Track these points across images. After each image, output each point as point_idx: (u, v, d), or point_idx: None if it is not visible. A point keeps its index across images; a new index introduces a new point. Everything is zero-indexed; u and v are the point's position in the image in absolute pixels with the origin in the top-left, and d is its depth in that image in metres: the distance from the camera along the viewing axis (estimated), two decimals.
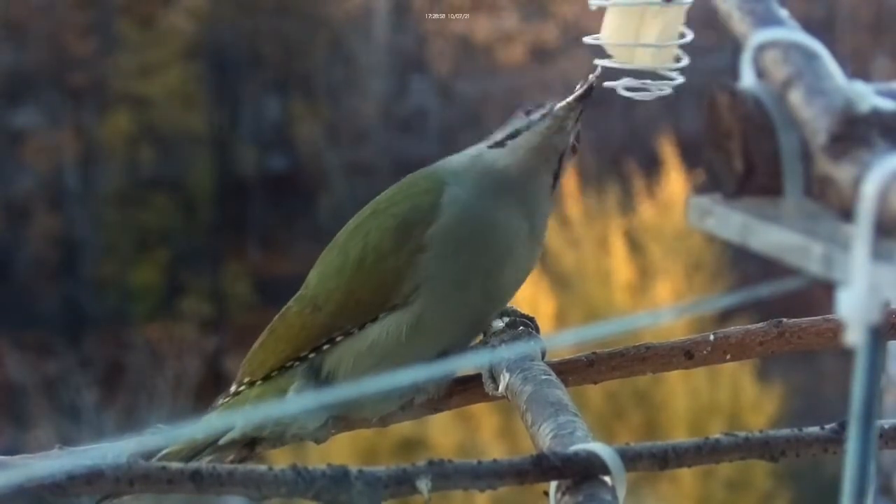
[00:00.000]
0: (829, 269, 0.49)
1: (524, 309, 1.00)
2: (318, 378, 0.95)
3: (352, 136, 9.01)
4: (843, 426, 0.74)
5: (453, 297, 0.93)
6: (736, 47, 0.58)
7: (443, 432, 5.40)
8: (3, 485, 0.61)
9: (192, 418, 1.36)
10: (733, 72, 0.56)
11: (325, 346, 0.94)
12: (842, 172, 0.49)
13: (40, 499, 0.65)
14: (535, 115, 0.96)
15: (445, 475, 0.66)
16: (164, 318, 7.93)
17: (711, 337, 0.96)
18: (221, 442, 0.94)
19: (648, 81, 0.90)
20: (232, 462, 0.94)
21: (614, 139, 8.53)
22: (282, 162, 9.18)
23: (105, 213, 8.81)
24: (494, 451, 5.10)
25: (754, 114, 0.53)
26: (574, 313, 6.01)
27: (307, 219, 8.56)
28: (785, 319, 0.96)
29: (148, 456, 0.89)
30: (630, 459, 0.69)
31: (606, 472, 0.68)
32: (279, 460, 0.74)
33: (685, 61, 0.89)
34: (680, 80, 0.89)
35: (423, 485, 0.66)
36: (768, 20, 0.57)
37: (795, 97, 0.53)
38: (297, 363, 0.95)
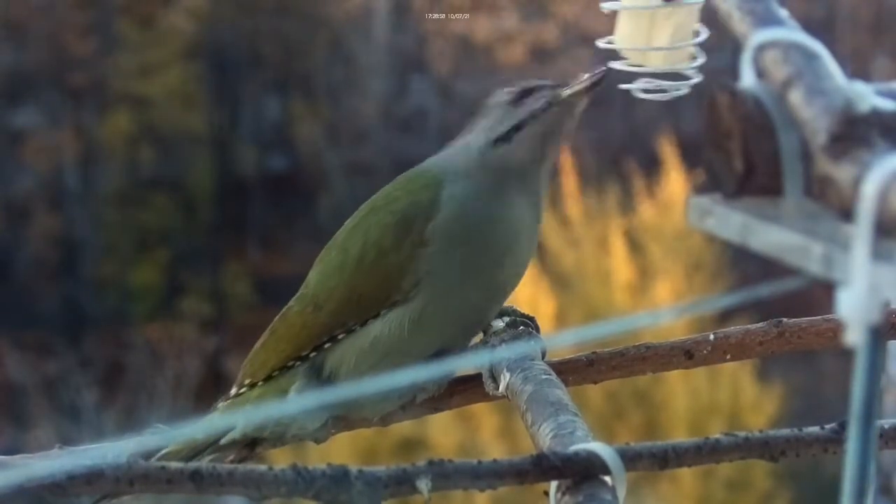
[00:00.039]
0: (829, 269, 0.49)
1: (524, 309, 1.00)
2: (320, 377, 0.95)
3: (352, 136, 9.01)
4: (843, 426, 0.74)
5: (456, 291, 0.93)
6: (736, 47, 0.58)
7: (443, 432, 5.40)
8: (3, 485, 0.61)
9: (192, 418, 1.36)
10: (733, 72, 0.56)
11: (327, 345, 0.94)
12: (842, 172, 0.49)
13: (40, 499, 0.65)
14: (538, 105, 0.96)
15: (445, 475, 0.66)
16: (164, 318, 7.93)
17: (711, 337, 0.96)
18: (222, 442, 0.94)
19: (664, 82, 0.89)
20: (232, 462, 0.94)
21: (614, 139, 8.53)
22: (282, 162, 9.18)
23: (105, 213, 8.81)
24: (494, 451, 5.10)
25: (754, 114, 0.53)
26: (574, 313, 6.01)
27: (307, 219, 8.56)
28: (785, 319, 0.96)
29: (148, 456, 0.89)
30: (630, 459, 0.69)
31: (606, 471, 0.68)
32: (279, 460, 0.74)
33: (701, 60, 0.89)
34: (697, 78, 0.89)
35: (423, 485, 0.66)
36: (768, 20, 0.57)
37: (795, 97, 0.53)
38: (298, 363, 0.95)
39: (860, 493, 0.49)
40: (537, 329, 0.97)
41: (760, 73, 0.55)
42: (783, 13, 0.58)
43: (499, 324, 0.97)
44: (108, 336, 8.02)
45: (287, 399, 0.95)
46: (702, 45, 0.89)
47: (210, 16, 9.16)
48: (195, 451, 0.93)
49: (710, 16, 0.84)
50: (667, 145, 6.56)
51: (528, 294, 5.49)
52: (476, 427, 5.49)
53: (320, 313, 0.94)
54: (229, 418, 0.94)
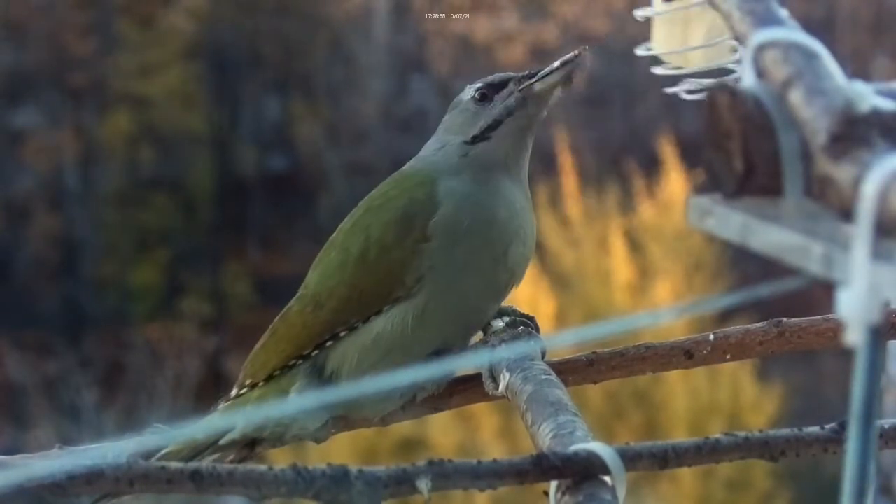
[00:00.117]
0: (829, 269, 0.49)
1: (524, 309, 1.00)
2: (322, 376, 0.95)
3: (352, 136, 9.01)
4: (843, 426, 0.74)
5: (458, 285, 0.93)
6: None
7: (443, 432, 5.40)
8: (3, 485, 0.61)
9: (192, 418, 1.36)
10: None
11: (329, 343, 0.94)
12: (842, 172, 0.49)
13: (40, 499, 0.65)
14: (511, 100, 0.96)
15: (445, 475, 0.66)
16: (164, 318, 7.93)
17: (711, 337, 0.96)
18: (221, 442, 0.94)
19: (708, 81, 0.89)
20: (232, 462, 0.94)
21: (614, 139, 8.53)
22: (282, 162, 9.19)
23: (105, 213, 8.81)
24: (494, 451, 5.10)
25: (754, 114, 0.53)
26: (574, 313, 6.01)
27: (307, 219, 8.56)
28: (785, 319, 0.96)
29: (148, 456, 0.89)
30: (630, 459, 0.69)
31: (606, 471, 0.68)
32: (279, 460, 0.74)
33: (741, 52, 0.88)
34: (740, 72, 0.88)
35: (423, 485, 0.66)
36: (768, 20, 0.57)
37: (795, 97, 0.52)
38: (299, 362, 0.95)
39: (860, 493, 0.49)
40: (537, 329, 0.97)
41: (760, 73, 0.55)
42: (783, 13, 0.58)
43: (499, 324, 0.97)
44: (108, 336, 8.02)
45: (288, 399, 0.95)
46: None
47: (210, 16, 9.16)
48: (195, 451, 0.93)
49: None
50: (667, 145, 6.56)
51: (528, 294, 5.49)
52: (476, 427, 5.49)
53: (322, 312, 0.94)
54: (229, 418, 0.94)
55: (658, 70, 0.89)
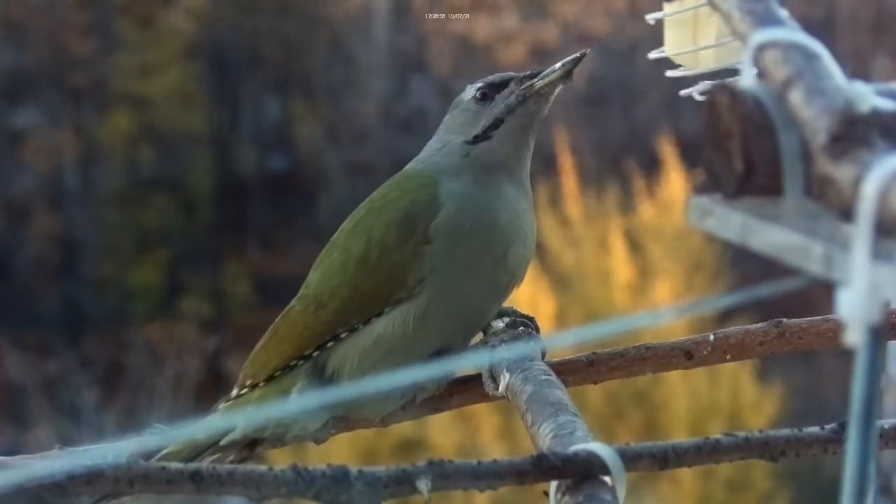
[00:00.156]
0: (829, 269, 0.49)
1: (524, 309, 1.00)
2: (322, 377, 0.95)
3: (352, 136, 9.01)
4: (843, 426, 0.74)
5: (459, 286, 0.93)
6: None
7: (443, 432, 5.40)
8: (3, 485, 0.61)
9: (192, 418, 1.36)
10: (734, 72, 0.56)
11: (330, 344, 0.94)
12: (842, 172, 0.49)
13: (40, 499, 0.65)
14: (512, 99, 0.96)
15: (445, 475, 0.66)
16: (164, 318, 7.93)
17: (711, 337, 0.96)
18: (222, 443, 0.94)
19: (722, 81, 0.89)
20: (232, 462, 0.94)
21: (614, 139, 8.53)
22: (282, 162, 9.19)
23: (105, 213, 8.81)
24: (494, 451, 5.10)
25: (754, 114, 0.53)
26: (574, 313, 6.01)
27: (307, 219, 8.56)
28: (785, 319, 0.96)
29: (148, 456, 0.89)
30: (630, 459, 0.69)
31: (606, 472, 0.68)
32: (279, 460, 0.74)
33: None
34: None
35: (423, 485, 0.66)
36: (768, 20, 0.57)
37: (795, 97, 0.52)
38: (300, 362, 0.95)
39: (860, 493, 0.49)
40: (537, 329, 0.97)
41: (760, 73, 0.55)
42: (783, 13, 0.58)
43: (499, 324, 0.97)
44: (108, 336, 8.02)
45: (288, 399, 0.95)
46: None
47: (210, 16, 9.16)
48: (195, 451, 0.93)
49: None
50: (667, 145, 6.56)
51: (528, 294, 5.49)
52: (476, 427, 5.49)
53: (323, 312, 0.94)
54: (230, 419, 0.94)
55: (671, 73, 0.89)
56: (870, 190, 0.47)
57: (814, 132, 0.51)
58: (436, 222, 0.93)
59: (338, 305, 0.94)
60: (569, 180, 6.67)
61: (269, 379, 0.95)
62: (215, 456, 0.94)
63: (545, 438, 0.75)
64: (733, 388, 5.80)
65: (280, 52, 9.19)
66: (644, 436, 5.41)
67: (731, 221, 0.53)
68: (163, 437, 0.93)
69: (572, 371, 0.95)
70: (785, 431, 0.75)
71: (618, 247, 6.36)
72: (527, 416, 0.81)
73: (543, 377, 0.85)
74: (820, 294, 0.55)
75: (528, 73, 0.97)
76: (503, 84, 0.98)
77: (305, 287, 0.97)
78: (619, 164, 7.14)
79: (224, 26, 9.13)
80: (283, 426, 0.94)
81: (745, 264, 5.94)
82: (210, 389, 6.39)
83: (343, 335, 0.94)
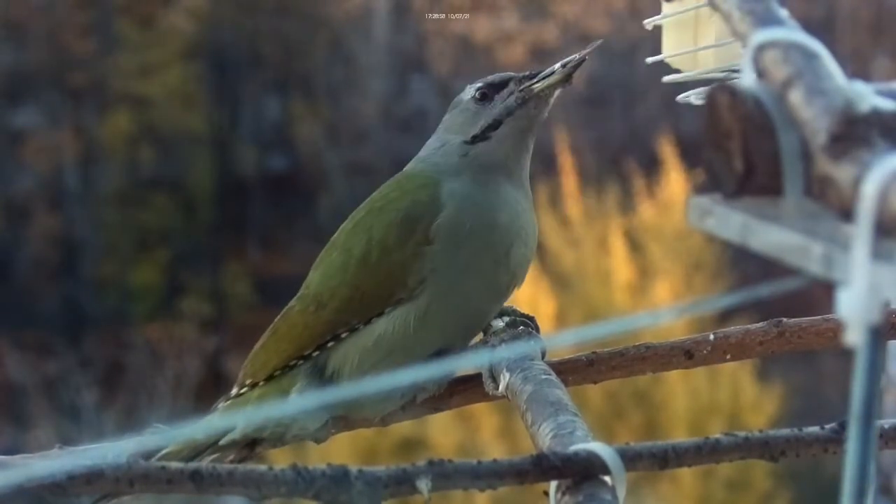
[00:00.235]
0: (829, 269, 0.49)
1: (524, 309, 1.00)
2: (322, 377, 0.95)
3: (352, 136, 9.01)
4: (843, 426, 0.74)
5: (461, 287, 0.93)
6: None
7: (443, 432, 5.40)
8: (3, 485, 0.61)
9: (192, 418, 1.36)
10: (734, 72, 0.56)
11: (330, 344, 0.94)
12: (842, 172, 0.49)
13: (40, 499, 0.65)
14: (511, 100, 0.96)
15: (445, 475, 0.66)
16: (164, 318, 7.93)
17: (711, 337, 0.96)
18: (222, 442, 0.93)
19: (721, 82, 0.89)
20: (232, 462, 0.94)
21: (614, 139, 8.53)
22: (282, 162, 9.19)
23: (105, 213, 8.81)
24: (494, 451, 5.10)
25: (754, 114, 0.53)
26: (574, 313, 6.01)
27: (307, 219, 8.56)
28: (785, 319, 0.96)
29: (148, 456, 0.89)
30: (630, 459, 0.68)
31: (606, 471, 0.68)
32: (279, 460, 0.74)
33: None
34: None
35: (423, 485, 0.66)
36: (768, 20, 0.57)
37: (795, 97, 0.52)
38: (300, 362, 0.95)
39: (860, 493, 0.49)
40: (537, 329, 0.97)
41: (760, 73, 0.55)
42: (783, 13, 0.58)
43: (499, 324, 0.98)
44: (108, 336, 8.02)
45: (288, 399, 0.95)
46: None
47: (210, 16, 9.16)
48: (195, 451, 0.93)
49: None
50: (667, 145, 6.56)
51: (528, 294, 5.49)
52: (476, 427, 5.49)
53: (323, 312, 0.94)
54: (229, 419, 0.94)
55: (667, 78, 0.89)
56: (870, 190, 0.47)
57: (814, 132, 0.51)
58: (437, 223, 0.93)
59: (338, 305, 0.94)
60: (569, 180, 6.67)
61: (269, 378, 0.95)
62: (215, 455, 0.94)
63: (545, 438, 0.75)
64: (733, 387, 5.80)
65: (280, 52, 9.19)
66: (644, 435, 5.41)
67: (731, 221, 0.53)
68: (163, 437, 0.93)
69: (572, 371, 0.95)
70: (785, 431, 0.75)
71: (618, 247, 6.36)
72: (527, 416, 0.81)
73: (543, 377, 0.85)
74: (820, 294, 0.55)
75: (528, 73, 0.97)
76: (503, 84, 0.98)
77: (305, 287, 0.97)
78: (619, 164, 7.14)
79: (224, 26, 9.13)
80: (283, 426, 0.94)
81: (745, 264, 5.94)
82: (210, 389, 6.38)
83: (343, 335, 0.94)
